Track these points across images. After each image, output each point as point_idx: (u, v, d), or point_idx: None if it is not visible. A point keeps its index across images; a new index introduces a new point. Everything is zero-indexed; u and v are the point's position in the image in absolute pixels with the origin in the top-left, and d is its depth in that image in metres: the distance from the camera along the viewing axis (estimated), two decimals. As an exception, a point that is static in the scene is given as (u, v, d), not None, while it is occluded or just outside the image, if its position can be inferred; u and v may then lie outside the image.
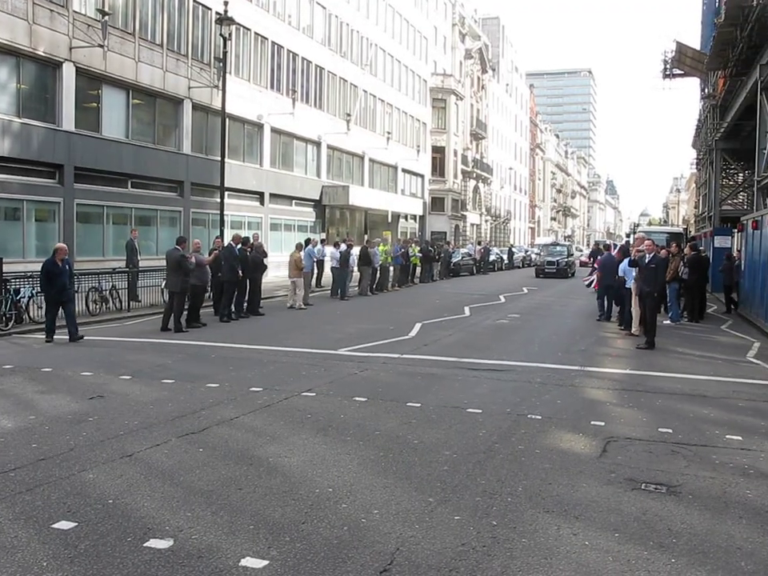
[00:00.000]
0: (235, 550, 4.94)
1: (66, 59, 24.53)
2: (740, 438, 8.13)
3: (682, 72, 37.67)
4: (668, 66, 36.90)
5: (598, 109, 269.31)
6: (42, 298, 17.40)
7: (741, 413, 9.48)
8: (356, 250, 27.59)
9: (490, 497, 6.07)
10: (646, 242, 16.21)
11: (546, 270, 42.46)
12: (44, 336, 15.13)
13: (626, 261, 18.20)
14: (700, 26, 42.45)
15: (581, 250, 73.25)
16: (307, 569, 4.68)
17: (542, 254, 47.17)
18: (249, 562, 4.77)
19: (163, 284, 21.36)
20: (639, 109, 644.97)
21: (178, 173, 30.36)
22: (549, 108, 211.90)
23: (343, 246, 27.15)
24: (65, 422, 8.34)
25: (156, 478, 6.42)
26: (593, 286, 23.32)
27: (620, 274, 18.15)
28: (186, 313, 17.34)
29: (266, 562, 4.76)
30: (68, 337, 14.89)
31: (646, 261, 15.44)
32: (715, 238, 31.73)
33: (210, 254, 19.03)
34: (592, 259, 29.66)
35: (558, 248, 47.16)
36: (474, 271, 44.94)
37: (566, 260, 43.46)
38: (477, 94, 77.12)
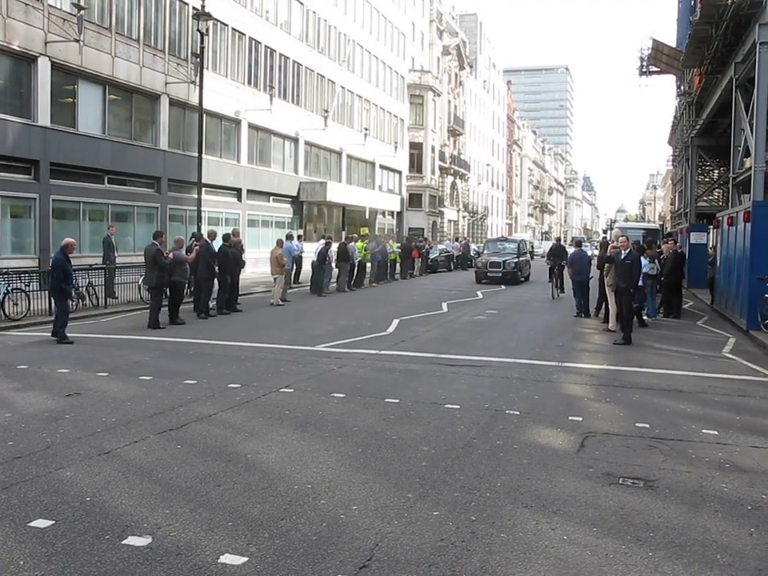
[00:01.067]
0: (214, 547, 4.92)
1: (42, 54, 24.29)
2: (716, 432, 8.21)
3: (659, 69, 37.85)
4: (644, 64, 37.06)
5: (575, 105, 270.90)
6: (18, 294, 17.33)
7: (716, 407, 9.57)
8: (335, 246, 27.50)
9: (469, 492, 6.09)
10: (621, 238, 16.35)
11: (489, 274, 32.62)
12: (26, 333, 14.98)
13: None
14: (676, 23, 42.79)
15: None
16: (286, 565, 4.68)
17: (485, 252, 36.40)
18: (228, 558, 4.76)
19: (140, 280, 21.27)
20: (616, 106, 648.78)
21: (155, 169, 30.17)
22: (526, 104, 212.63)
23: (322, 242, 27.08)
24: (41, 419, 8.27)
25: (134, 475, 6.39)
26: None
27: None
28: (165, 309, 17.25)
29: (245, 559, 4.76)
30: (51, 334, 14.66)
31: (622, 257, 15.55)
32: (691, 234, 32.01)
33: (190, 252, 18.88)
34: (552, 258, 27.18)
35: (507, 245, 36.17)
36: (452, 267, 45.04)
37: (515, 260, 33.41)
38: (454, 91, 77.22)
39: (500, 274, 32.32)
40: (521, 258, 34.13)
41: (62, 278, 14.55)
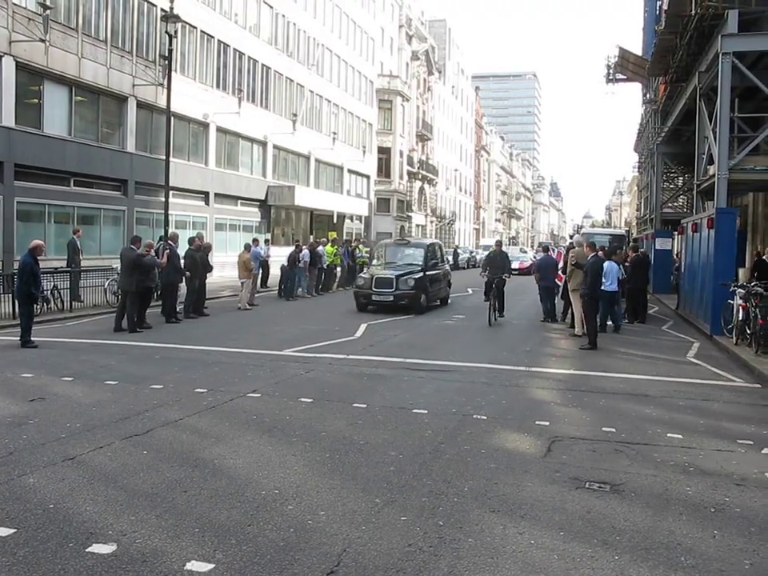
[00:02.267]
0: (180, 554, 4.87)
1: (6, 53, 23.97)
2: (681, 436, 8.30)
3: (625, 77, 38.35)
4: (611, 71, 37.53)
5: (543, 112, 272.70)
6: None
7: (681, 411, 9.68)
8: (306, 252, 27.36)
9: (437, 497, 6.09)
10: (584, 245, 16.57)
11: (376, 298, 21.79)
12: (6, 338, 14.74)
13: (608, 263, 18.68)
14: (642, 32, 43.28)
15: (525, 251, 73.72)
16: (253, 571, 4.65)
17: (373, 263, 25.14)
18: (194, 565, 4.71)
19: (106, 283, 21.07)
20: (583, 113, 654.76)
21: (122, 171, 29.89)
22: (494, 110, 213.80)
23: (292, 248, 27.06)
24: (4, 425, 8.15)
25: (99, 482, 6.31)
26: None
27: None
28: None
29: (211, 566, 4.71)
30: (19, 338, 14.42)
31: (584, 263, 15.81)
32: (656, 240, 32.35)
33: (163, 256, 18.65)
34: (490, 270, 20.98)
35: (410, 252, 23.91)
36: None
37: (417, 276, 21.97)
38: (423, 96, 77.43)
39: (391, 298, 21.37)
40: (431, 272, 22.84)
41: (30, 282, 14.26)
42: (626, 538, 5.36)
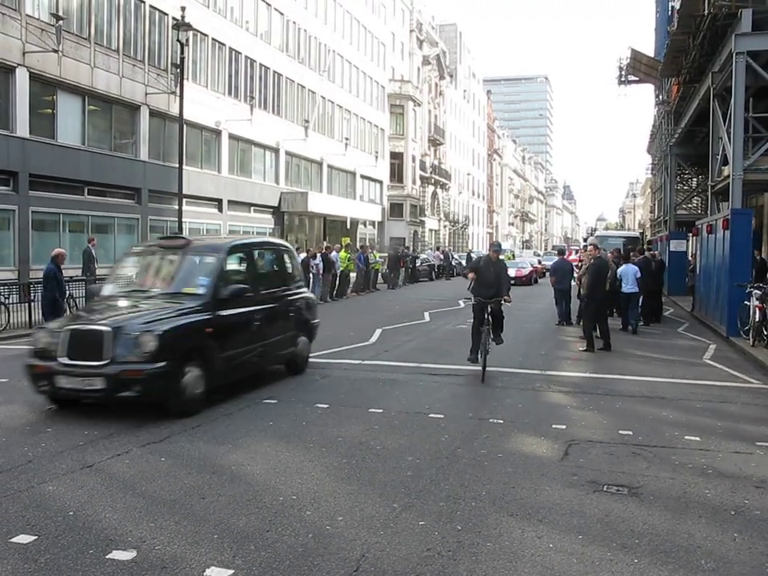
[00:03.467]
0: (200, 560, 4.89)
1: (20, 64, 24.17)
2: (698, 438, 8.26)
3: (637, 79, 38.21)
4: (623, 73, 37.41)
5: (555, 115, 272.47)
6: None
7: (698, 414, 9.63)
8: (318, 258, 27.39)
9: (454, 501, 6.08)
10: (589, 247, 16.61)
11: (63, 384, 8.92)
12: (6, 346, 14.82)
13: (625, 265, 19.06)
14: (654, 33, 43.17)
15: (538, 254, 73.47)
16: (273, 577, 4.66)
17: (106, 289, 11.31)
18: (213, 571, 4.73)
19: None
20: (596, 115, 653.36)
21: (136, 180, 30.05)
22: (506, 114, 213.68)
23: (303, 255, 27.07)
24: (22, 433, 8.20)
25: (117, 489, 6.34)
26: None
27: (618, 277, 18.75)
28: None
29: (230, 572, 4.73)
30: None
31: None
32: (671, 241, 32.21)
33: None
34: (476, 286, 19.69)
35: (187, 266, 11.05)
36: (434, 277, 45.17)
37: (165, 329, 8.94)
38: (434, 100, 77.47)
39: (99, 385, 8.78)
40: (234, 311, 10.28)
41: (54, 289, 14.44)
42: (645, 542, 5.34)
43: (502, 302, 12.43)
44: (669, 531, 5.56)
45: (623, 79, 37.27)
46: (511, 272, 26.49)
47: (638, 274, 19.05)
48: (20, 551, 5.04)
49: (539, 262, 48.85)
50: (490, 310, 12.44)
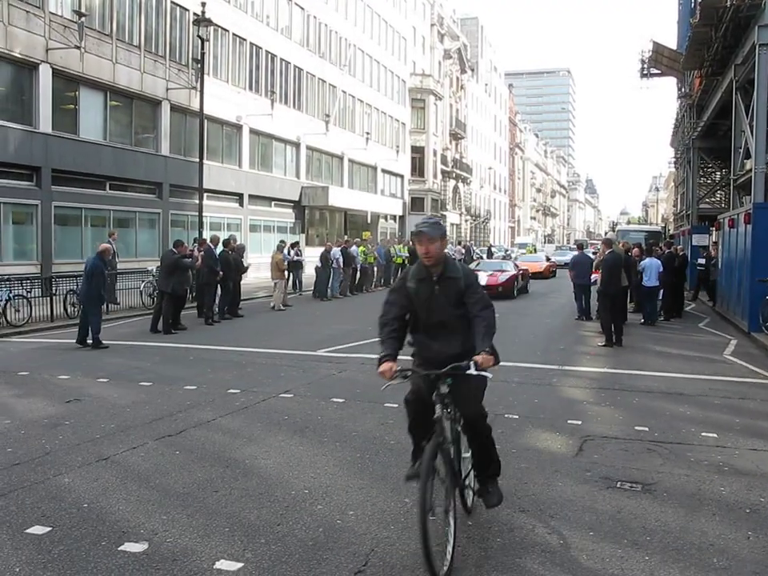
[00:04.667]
0: (210, 553, 4.92)
1: (43, 61, 24.36)
2: (715, 435, 8.20)
3: (659, 71, 37.85)
4: (645, 66, 37.06)
5: (577, 108, 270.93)
6: (20, 301, 17.35)
7: (716, 410, 9.55)
8: (336, 251, 27.46)
9: (466, 496, 6.07)
10: (601, 245, 16.63)
11: None
12: (27, 339, 14.98)
13: (648, 259, 19.12)
14: (676, 25, 42.79)
15: (561, 248, 72.95)
16: (282, 571, 4.68)
17: None
18: (223, 564, 4.76)
19: (141, 285, 21.33)
20: (618, 108, 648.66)
21: (157, 174, 30.22)
22: (528, 108, 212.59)
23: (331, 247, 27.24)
24: (41, 425, 8.29)
25: (132, 482, 6.39)
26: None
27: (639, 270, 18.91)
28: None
29: (240, 565, 4.76)
30: (77, 341, 14.61)
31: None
32: (693, 236, 31.99)
33: (198, 258, 18.82)
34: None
35: None
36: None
37: None
38: (456, 94, 77.26)
39: None
40: None
41: (101, 284, 14.62)
42: (656, 539, 5.31)
43: (474, 371, 5.01)
44: (681, 528, 5.52)
45: (645, 72, 36.92)
46: (483, 278, 22.24)
47: (660, 268, 18.97)
48: (35, 542, 5.10)
49: (547, 258, 45.39)
50: (442, 400, 5.29)
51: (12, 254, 24.01)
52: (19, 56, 23.61)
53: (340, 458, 7.17)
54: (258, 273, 31.89)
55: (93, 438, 7.74)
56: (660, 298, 20.19)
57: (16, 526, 5.36)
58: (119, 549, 4.98)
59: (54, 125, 24.99)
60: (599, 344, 15.33)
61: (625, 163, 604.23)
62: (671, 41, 43.08)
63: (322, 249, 28.80)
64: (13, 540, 5.13)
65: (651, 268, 18.95)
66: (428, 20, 69.08)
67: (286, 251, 26.11)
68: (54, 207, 25.18)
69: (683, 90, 40.59)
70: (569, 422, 8.66)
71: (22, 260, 24.08)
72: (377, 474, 6.68)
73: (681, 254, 23.19)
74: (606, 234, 54.18)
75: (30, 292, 18.14)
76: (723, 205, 38.58)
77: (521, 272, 28.90)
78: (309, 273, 28.73)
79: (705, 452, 7.54)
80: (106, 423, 8.36)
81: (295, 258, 27.20)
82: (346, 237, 33.15)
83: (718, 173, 40.49)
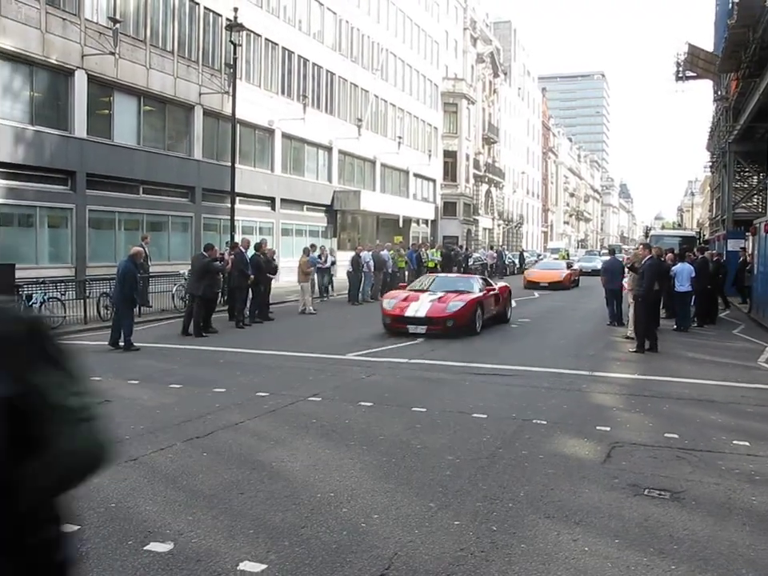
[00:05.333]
0: (234, 554, 4.95)
1: (78, 67, 24.70)
2: (747, 443, 8.08)
3: (695, 74, 37.56)
4: (680, 69, 36.80)
5: (612, 112, 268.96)
6: (54, 303, 17.59)
7: (749, 418, 9.42)
8: (367, 255, 27.50)
9: (491, 502, 6.05)
10: (639, 246, 16.46)
11: None
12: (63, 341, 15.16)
13: (680, 264, 19.04)
14: (713, 27, 42.34)
15: (592, 252, 72.24)
16: (305, 573, 4.69)
17: None
18: (247, 566, 4.78)
19: (174, 289, 21.52)
20: (653, 112, 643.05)
21: (189, 178, 30.48)
22: (561, 111, 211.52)
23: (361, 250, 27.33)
24: (71, 426, 8.37)
25: (159, 482, 6.46)
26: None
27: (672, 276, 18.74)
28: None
29: (263, 566, 4.78)
30: (109, 342, 14.79)
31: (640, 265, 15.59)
32: (728, 241, 31.59)
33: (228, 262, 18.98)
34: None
35: None
36: (486, 275, 44.93)
37: None
38: (488, 98, 77.06)
39: None
40: None
41: (133, 287, 14.82)
42: (684, 548, 5.24)
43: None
44: (710, 538, 5.45)
45: (680, 75, 36.66)
46: (419, 308, 16.95)
47: (693, 274, 18.78)
48: (62, 541, 5.15)
49: (569, 266, 39.47)
50: None
51: (47, 256, 24.33)
52: (56, 62, 23.96)
53: (366, 461, 7.17)
54: (289, 276, 32.05)
55: (122, 439, 7.80)
56: (693, 303, 19.97)
57: (44, 525, 5.42)
58: (145, 548, 5.03)
59: (88, 130, 25.30)
60: (630, 350, 15.20)
61: (660, 168, 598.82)
62: (707, 43, 42.63)
63: (353, 253, 28.88)
64: (41, 539, 5.19)
65: (683, 273, 18.78)
66: (461, 24, 69.00)
67: (316, 255, 26.19)
68: (88, 211, 25.48)
69: (719, 92, 40.21)
70: (597, 428, 8.59)
71: (56, 263, 24.40)
72: (402, 478, 6.67)
73: (715, 259, 22.93)
74: (643, 238, 53.25)
75: (64, 294, 18.39)
76: (760, 209, 38.10)
77: (492, 294, 19.04)
78: (340, 277, 28.81)
79: (736, 460, 7.44)
80: (136, 424, 8.43)
81: (322, 262, 27.26)
82: (377, 241, 33.12)
83: (755, 177, 40.00)
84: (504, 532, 5.43)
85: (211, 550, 5.01)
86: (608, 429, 8.56)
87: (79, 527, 5.32)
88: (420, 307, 16.91)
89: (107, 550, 5.00)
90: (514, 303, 17.93)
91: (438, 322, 16.62)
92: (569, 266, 38.72)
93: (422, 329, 16.53)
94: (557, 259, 53.06)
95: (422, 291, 18.41)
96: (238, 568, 4.75)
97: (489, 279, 22.04)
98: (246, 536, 5.27)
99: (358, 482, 6.55)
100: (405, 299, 17.49)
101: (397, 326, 16.80)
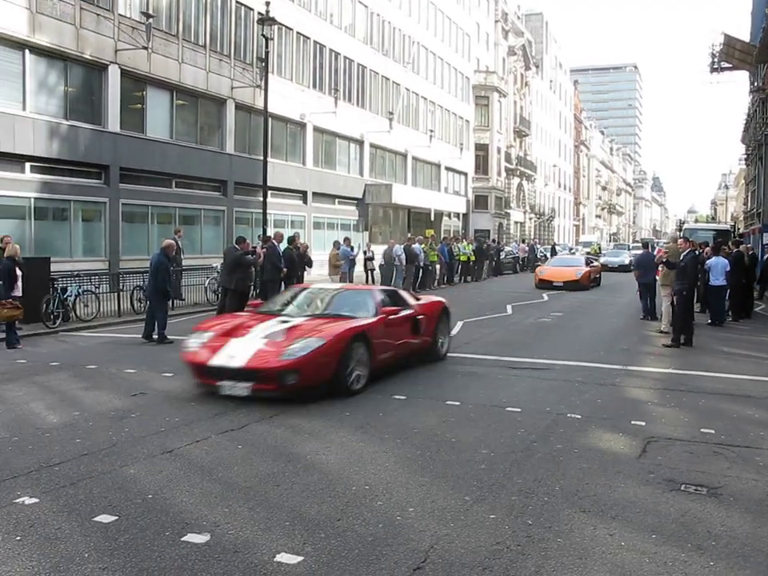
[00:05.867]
0: (270, 546, 4.98)
1: (112, 62, 24.92)
2: (785, 439, 7.98)
3: (731, 65, 36.96)
4: (716, 60, 36.25)
5: (644, 104, 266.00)
6: (88, 296, 17.78)
7: (786, 413, 9.29)
8: (399, 248, 27.50)
9: (527, 496, 6.03)
10: (679, 240, 16.23)
11: None
12: (95, 334, 15.33)
13: (715, 258, 18.77)
14: (750, 17, 41.69)
15: (625, 247, 71.36)
16: (341, 565, 4.71)
17: None
18: (283, 557, 4.80)
19: (206, 282, 21.65)
20: (686, 104, 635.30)
21: (222, 172, 30.66)
22: (594, 104, 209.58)
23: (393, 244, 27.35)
24: (108, 417, 8.48)
25: (195, 474, 6.51)
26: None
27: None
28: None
29: (300, 558, 4.80)
30: (142, 335, 14.94)
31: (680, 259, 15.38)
32: (765, 234, 31.16)
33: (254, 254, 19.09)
34: None
35: None
36: (518, 269, 44.78)
37: None
38: (520, 91, 76.65)
39: None
40: None
41: (167, 279, 14.93)
42: (722, 544, 5.18)
43: None
44: (749, 535, 5.38)
45: (716, 66, 36.11)
46: (244, 351, 9.64)
47: (728, 268, 18.56)
48: (101, 530, 5.23)
49: (588, 262, 33.81)
50: None
51: (81, 250, 24.61)
52: (90, 58, 24.19)
53: (401, 454, 7.18)
54: (321, 270, 32.12)
55: (158, 431, 7.89)
56: (727, 297, 19.73)
57: (84, 514, 5.50)
58: (182, 539, 5.07)
59: (122, 124, 25.54)
60: (664, 344, 15.05)
61: (693, 160, 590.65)
62: (744, 33, 41.96)
63: (385, 246, 28.90)
64: (82, 527, 5.27)
65: (718, 267, 18.56)
66: (492, 16, 68.64)
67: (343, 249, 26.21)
68: (121, 205, 25.73)
69: (755, 83, 39.61)
70: (632, 422, 8.52)
71: (90, 256, 24.67)
72: (437, 471, 6.67)
73: (750, 252, 22.63)
74: (675, 232, 52.16)
75: (99, 288, 18.59)
76: (796, 202, 37.52)
77: (403, 318, 11.61)
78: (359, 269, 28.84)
79: (774, 456, 7.34)
80: (171, 417, 8.51)
81: (354, 254, 27.28)
82: (409, 234, 33.10)
83: (791, 170, 39.36)
84: (540, 526, 5.41)
85: (248, 542, 5.04)
86: (643, 423, 8.48)
87: (117, 518, 5.42)
88: (242, 349, 9.70)
89: (145, 540, 5.05)
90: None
91: (267, 378, 9.29)
92: (588, 263, 33.42)
93: (242, 389, 9.24)
94: (590, 253, 52.43)
95: (272, 315, 11.13)
96: (274, 559, 4.77)
97: (408, 293, 14.10)
98: (282, 528, 5.30)
99: (393, 475, 6.55)
100: (226, 332, 10.37)
101: (204, 381, 9.78)
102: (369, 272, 28.70)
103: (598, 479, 6.50)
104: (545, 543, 5.11)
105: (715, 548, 5.10)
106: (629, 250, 59.60)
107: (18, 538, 5.08)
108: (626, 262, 44.34)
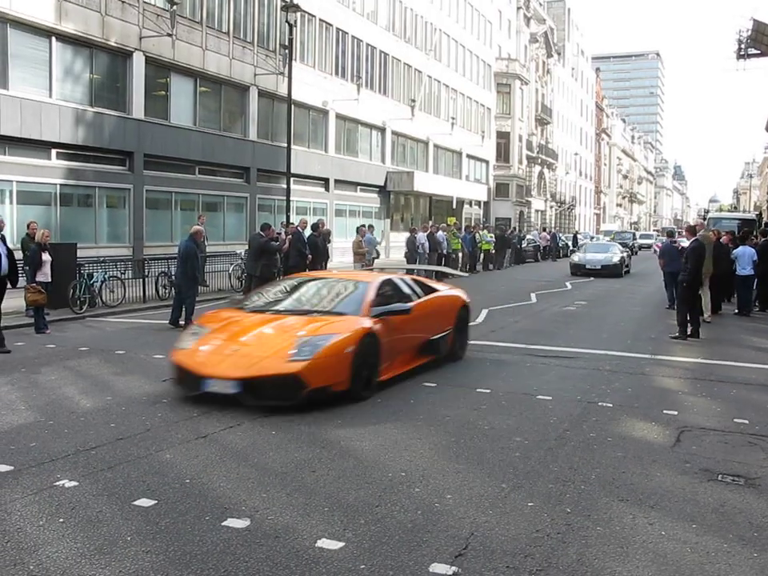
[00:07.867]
0: (311, 531, 4.99)
1: (136, 49, 24.97)
2: (820, 429, 7.91)
3: (759, 51, 36.46)
4: (743, 46, 35.77)
5: (666, 92, 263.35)
6: (114, 282, 17.88)
7: (820, 404, 9.21)
8: (422, 236, 27.45)
9: (563, 484, 6.02)
10: (684, 232, 16.23)
11: None
12: (121, 319, 15.41)
13: (742, 247, 18.66)
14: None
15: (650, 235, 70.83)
16: (383, 551, 4.71)
17: None
18: (325, 543, 4.81)
19: (230, 268, 21.73)
20: (708, 91, 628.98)
21: (245, 159, 30.70)
22: (615, 92, 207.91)
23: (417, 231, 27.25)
24: (140, 403, 8.53)
25: (230, 459, 6.53)
26: None
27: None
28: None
29: (341, 544, 4.81)
30: (169, 321, 14.95)
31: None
32: (790, 224, 30.87)
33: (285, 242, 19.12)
34: None
35: None
36: (539, 258, 44.63)
37: None
38: (542, 79, 76.17)
39: None
40: None
41: (195, 266, 14.97)
42: (765, 535, 5.13)
43: None
44: (789, 525, 5.35)
45: (743, 53, 35.62)
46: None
47: (755, 257, 18.39)
48: (142, 514, 5.26)
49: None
50: None
51: (106, 236, 24.74)
52: (114, 45, 24.26)
53: (434, 441, 7.17)
54: (342, 257, 32.15)
55: (190, 417, 7.92)
56: (755, 287, 19.55)
57: (124, 498, 5.54)
58: (222, 524, 5.08)
59: (146, 111, 25.61)
60: (671, 336, 14.60)
61: (715, 149, 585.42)
62: (770, 21, 41.36)
63: (407, 234, 28.86)
64: (122, 511, 5.30)
65: (744, 257, 18.40)
66: (514, 3, 68.17)
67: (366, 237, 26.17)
68: (145, 191, 25.84)
69: (782, 71, 39.06)
70: (664, 411, 8.47)
71: (115, 242, 24.80)
72: (472, 458, 6.66)
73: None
74: (699, 220, 51.23)
75: (124, 273, 18.70)
76: (822, 192, 37.08)
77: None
78: (395, 257, 28.80)
79: (810, 447, 7.28)
80: (201, 402, 8.51)
81: (379, 242, 27.34)
82: (431, 222, 33.03)
83: (818, 158, 38.91)
84: (578, 514, 5.39)
85: (288, 527, 5.05)
86: (675, 413, 8.44)
87: (156, 502, 5.45)
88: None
89: (185, 525, 5.07)
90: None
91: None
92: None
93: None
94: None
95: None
96: (316, 545, 4.78)
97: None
98: (321, 513, 5.31)
99: (429, 461, 6.55)
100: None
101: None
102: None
103: (634, 468, 6.47)
104: (585, 531, 5.10)
105: (758, 539, 5.07)
106: (654, 238, 57.16)
107: (62, 520, 5.12)
108: (615, 260, 31.88)
